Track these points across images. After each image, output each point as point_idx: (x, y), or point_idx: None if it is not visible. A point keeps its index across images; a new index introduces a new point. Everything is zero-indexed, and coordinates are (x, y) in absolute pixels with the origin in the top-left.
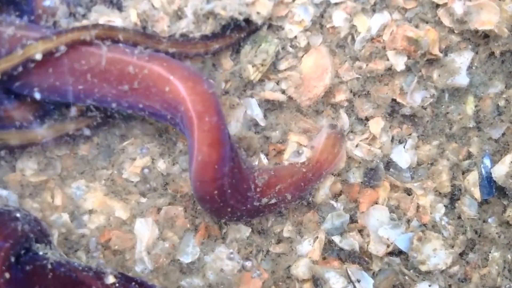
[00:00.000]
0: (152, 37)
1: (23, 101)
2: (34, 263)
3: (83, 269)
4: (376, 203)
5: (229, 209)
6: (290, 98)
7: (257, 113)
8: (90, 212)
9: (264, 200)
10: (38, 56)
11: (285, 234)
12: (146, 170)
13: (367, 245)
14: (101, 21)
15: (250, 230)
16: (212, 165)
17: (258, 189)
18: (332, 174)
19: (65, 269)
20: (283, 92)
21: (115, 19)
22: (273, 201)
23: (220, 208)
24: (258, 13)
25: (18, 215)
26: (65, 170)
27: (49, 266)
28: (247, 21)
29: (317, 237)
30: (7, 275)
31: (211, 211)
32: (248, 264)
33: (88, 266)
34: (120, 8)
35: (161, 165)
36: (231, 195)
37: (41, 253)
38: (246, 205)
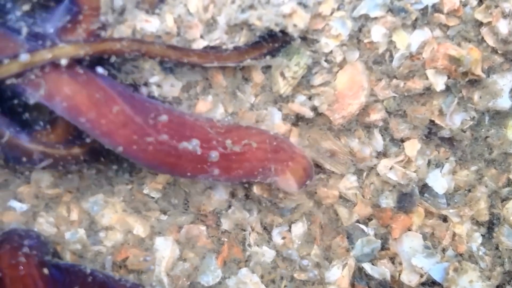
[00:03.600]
0: (182, 50)
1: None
2: (73, 267)
3: (120, 279)
4: (409, 230)
5: None
6: (321, 114)
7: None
8: (107, 228)
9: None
10: (64, 61)
11: (312, 259)
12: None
13: (399, 274)
14: (138, 25)
15: (274, 253)
16: None
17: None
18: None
19: (103, 276)
20: (315, 108)
21: (151, 23)
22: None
23: None
24: (294, 25)
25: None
26: (83, 183)
27: (89, 271)
28: (281, 32)
29: (346, 264)
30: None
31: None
32: None
33: (124, 278)
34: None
35: (184, 181)
36: None
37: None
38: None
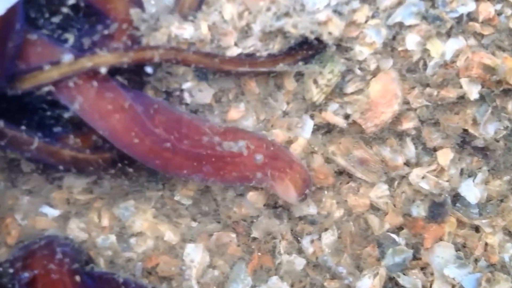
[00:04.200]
0: (218, 57)
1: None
2: (106, 275)
3: None
4: (441, 240)
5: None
6: (353, 123)
7: (305, 135)
8: (138, 235)
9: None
10: (104, 70)
11: (342, 268)
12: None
13: (431, 285)
14: (173, 32)
15: (305, 262)
16: None
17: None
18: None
19: (136, 285)
20: (348, 116)
21: (186, 30)
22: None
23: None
24: (329, 33)
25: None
26: (114, 189)
27: (121, 280)
28: (316, 40)
29: (377, 273)
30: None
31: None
32: None
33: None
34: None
35: (215, 188)
36: None
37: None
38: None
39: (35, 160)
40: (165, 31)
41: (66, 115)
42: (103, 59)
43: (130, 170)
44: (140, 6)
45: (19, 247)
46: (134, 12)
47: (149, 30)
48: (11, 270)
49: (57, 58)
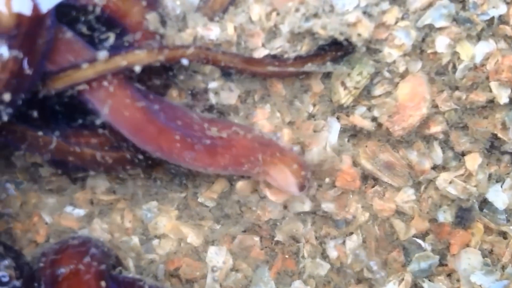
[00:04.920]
0: (247, 59)
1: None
2: (131, 280)
3: None
4: (468, 246)
5: None
6: (380, 126)
7: (332, 140)
8: (161, 236)
9: None
10: (138, 68)
11: (366, 274)
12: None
13: None
14: (199, 33)
15: (329, 266)
16: None
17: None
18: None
19: None
20: (374, 119)
21: (212, 31)
22: None
23: None
24: (359, 34)
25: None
26: (137, 190)
27: (147, 287)
28: (343, 42)
29: (403, 279)
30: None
31: None
32: None
33: None
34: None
35: (239, 190)
36: None
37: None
38: None
39: (55, 162)
40: (191, 32)
41: (98, 121)
42: (138, 57)
43: (153, 171)
44: (156, 9)
45: (53, 244)
46: (151, 17)
47: (174, 31)
48: (41, 265)
49: (93, 56)
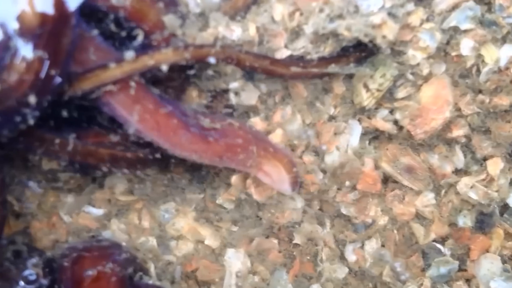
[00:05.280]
0: (271, 59)
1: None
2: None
3: None
4: (488, 251)
5: None
6: (401, 128)
7: (353, 142)
8: (178, 238)
9: None
10: (165, 67)
11: (385, 278)
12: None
13: None
14: (220, 33)
15: (347, 270)
16: None
17: None
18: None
19: None
20: (396, 122)
21: (234, 31)
22: None
23: None
24: (383, 36)
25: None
26: (155, 190)
27: None
28: (368, 43)
29: (422, 284)
30: None
31: None
32: None
33: None
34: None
35: (257, 193)
36: None
37: (151, 282)
38: None
39: (73, 164)
40: (212, 32)
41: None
42: (165, 56)
43: (172, 171)
44: (174, 10)
45: (73, 243)
46: (167, 18)
47: (195, 30)
48: (65, 264)
49: (120, 56)
